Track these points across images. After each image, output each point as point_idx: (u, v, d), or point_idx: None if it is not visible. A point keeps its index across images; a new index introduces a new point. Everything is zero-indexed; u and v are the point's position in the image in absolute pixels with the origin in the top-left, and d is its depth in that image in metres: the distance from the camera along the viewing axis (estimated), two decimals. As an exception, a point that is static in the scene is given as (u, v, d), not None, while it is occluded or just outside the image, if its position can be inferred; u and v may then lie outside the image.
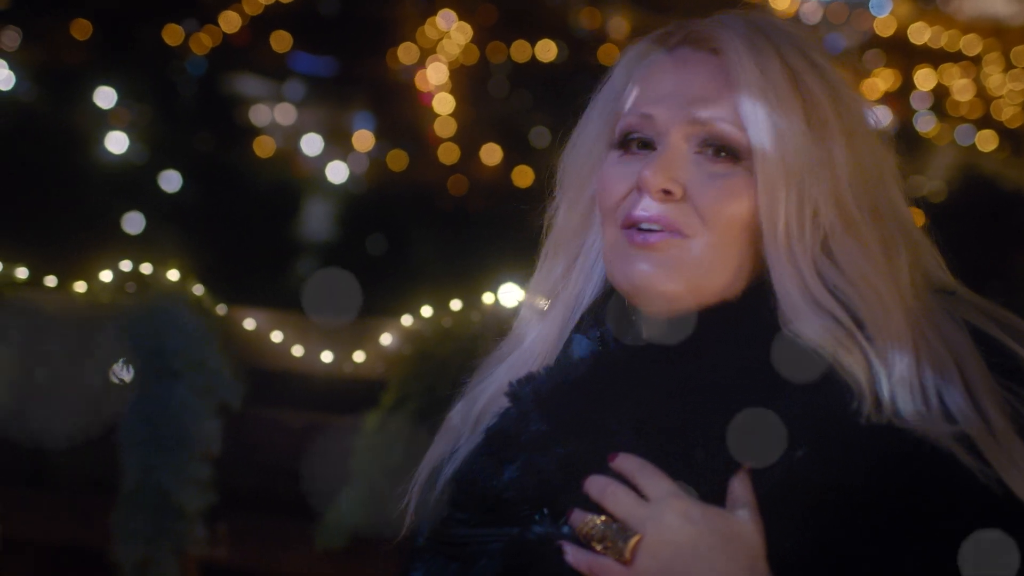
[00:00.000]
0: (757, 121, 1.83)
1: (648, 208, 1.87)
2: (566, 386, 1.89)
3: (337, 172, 14.88)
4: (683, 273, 1.85)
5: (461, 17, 15.16)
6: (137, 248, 4.53)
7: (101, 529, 4.22)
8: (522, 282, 4.12)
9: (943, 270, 1.91)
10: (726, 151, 1.86)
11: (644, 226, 1.88)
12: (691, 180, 1.86)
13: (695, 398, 1.79)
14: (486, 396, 2.03)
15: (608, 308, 2.00)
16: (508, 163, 14.60)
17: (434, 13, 15.16)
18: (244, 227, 12.34)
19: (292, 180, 14.76)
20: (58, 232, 8.65)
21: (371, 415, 4.20)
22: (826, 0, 14.45)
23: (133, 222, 12.94)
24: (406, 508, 2.04)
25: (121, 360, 4.22)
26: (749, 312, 1.83)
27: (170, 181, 13.90)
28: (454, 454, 2.01)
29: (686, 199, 1.85)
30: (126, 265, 4.30)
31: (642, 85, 1.94)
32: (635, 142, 1.93)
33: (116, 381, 4.24)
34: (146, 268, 4.27)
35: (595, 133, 2.00)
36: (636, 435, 1.79)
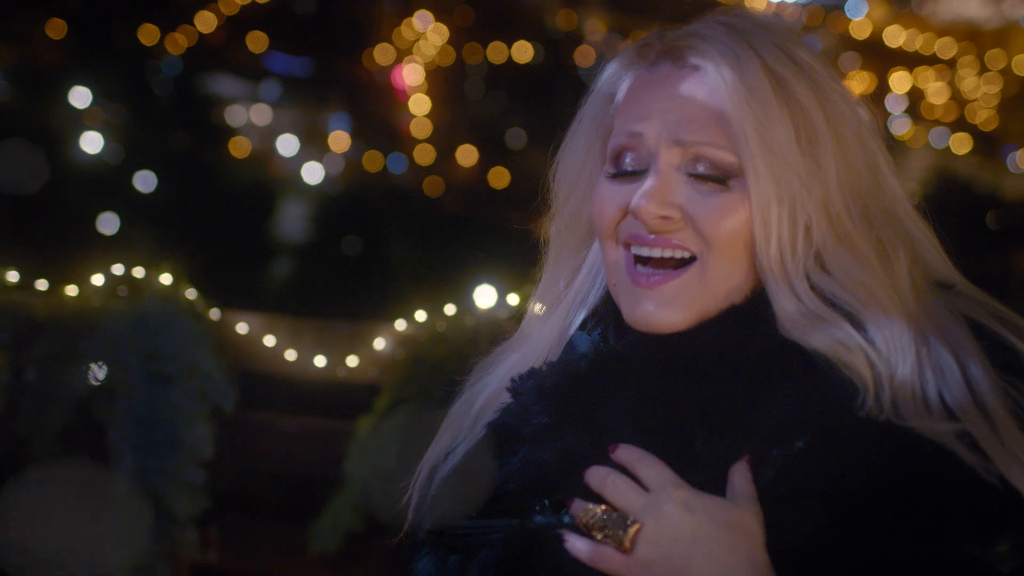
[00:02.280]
0: (746, 141, 1.81)
1: (652, 230, 1.85)
2: (568, 380, 1.88)
3: (312, 173, 14.87)
4: (686, 304, 1.85)
5: (438, 18, 15.17)
6: (128, 252, 4.49)
7: (92, 533, 4.20)
8: (497, 283, 4.13)
9: (945, 262, 1.90)
10: (716, 172, 1.83)
11: (645, 253, 1.86)
12: (687, 201, 1.84)
13: (695, 390, 1.79)
14: (486, 393, 2.02)
15: (610, 309, 2.01)
16: (484, 164, 14.61)
17: (411, 14, 15.17)
18: (221, 228, 12.32)
19: (268, 181, 14.75)
20: (46, 235, 8.62)
21: (364, 419, 4.19)
22: (803, 2, 14.52)
23: (108, 223, 12.90)
24: (407, 505, 2.04)
25: (98, 362, 4.20)
26: (750, 315, 1.83)
27: (145, 181, 13.88)
28: (453, 451, 2.02)
29: (684, 220, 1.84)
30: (118, 269, 4.28)
31: (628, 102, 1.92)
32: (628, 164, 1.90)
33: (93, 382, 4.22)
34: (138, 272, 4.26)
35: (585, 146, 1.98)
36: (636, 427, 1.79)
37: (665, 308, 1.85)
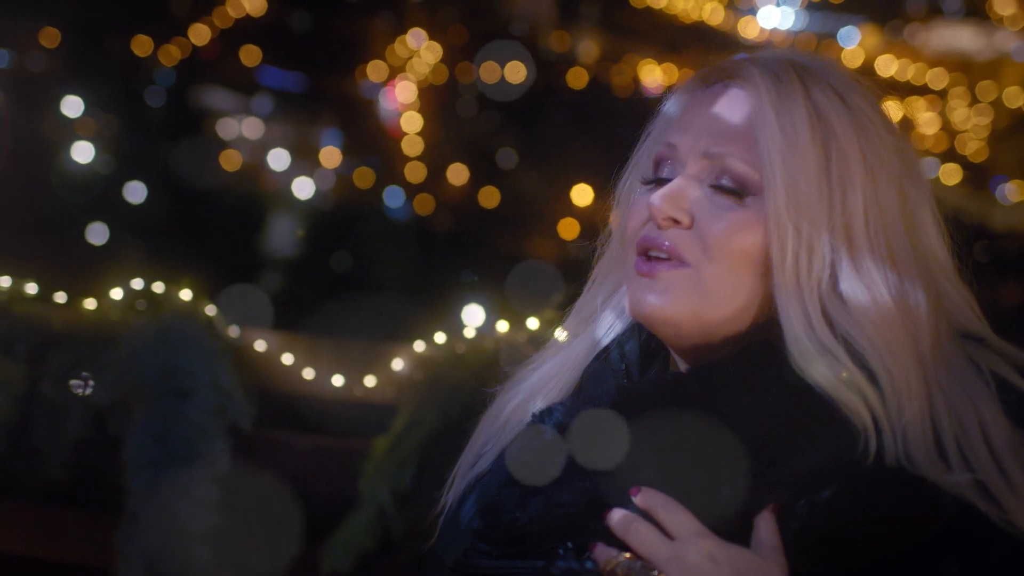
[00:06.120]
0: (769, 159, 1.84)
1: (657, 233, 1.89)
2: (589, 420, 1.88)
3: (303, 188, 14.85)
4: (683, 301, 1.86)
5: (431, 36, 15.18)
6: (117, 264, 4.50)
7: (104, 548, 4.19)
8: (486, 303, 4.15)
9: (975, 315, 1.91)
10: (737, 187, 1.87)
11: (652, 253, 1.89)
12: (700, 210, 1.87)
13: (720, 433, 1.78)
14: (516, 402, 2.05)
15: (634, 346, 2.02)
16: (474, 183, 14.61)
17: (404, 32, 15.18)
18: (210, 241, 12.29)
19: (258, 195, 14.72)
20: (36, 244, 8.59)
21: (381, 439, 4.19)
22: (795, 30, 14.58)
23: (97, 233, 12.87)
24: (439, 512, 2.06)
25: (82, 374, 4.20)
26: (765, 350, 1.84)
27: (135, 192, 13.85)
28: (480, 458, 2.04)
29: (694, 228, 1.87)
30: (137, 283, 4.28)
31: (675, 118, 1.97)
32: (662, 173, 1.94)
33: (78, 395, 4.22)
34: (158, 287, 4.26)
35: (637, 167, 2.03)
36: (660, 470, 1.79)
37: (658, 296, 1.88)
